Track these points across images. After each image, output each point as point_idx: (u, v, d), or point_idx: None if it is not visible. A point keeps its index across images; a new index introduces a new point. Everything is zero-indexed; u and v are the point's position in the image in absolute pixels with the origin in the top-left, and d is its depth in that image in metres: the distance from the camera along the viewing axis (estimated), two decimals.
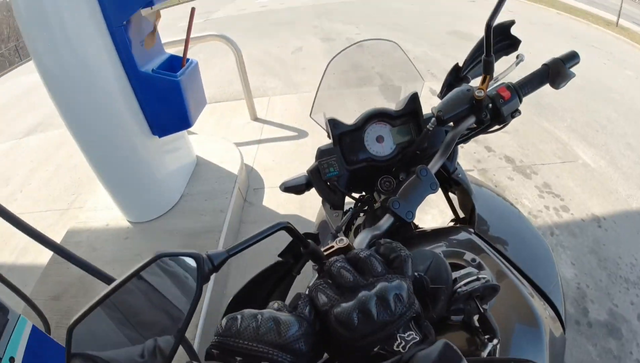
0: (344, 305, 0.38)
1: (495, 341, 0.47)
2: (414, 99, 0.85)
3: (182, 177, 2.66)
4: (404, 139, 0.85)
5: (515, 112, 0.78)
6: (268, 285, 0.61)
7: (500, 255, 0.67)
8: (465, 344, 0.51)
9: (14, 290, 1.45)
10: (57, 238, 2.43)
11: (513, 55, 0.86)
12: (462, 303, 0.48)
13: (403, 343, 0.36)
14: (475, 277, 0.48)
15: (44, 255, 2.28)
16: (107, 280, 1.07)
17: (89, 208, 2.67)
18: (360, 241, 0.61)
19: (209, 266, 0.40)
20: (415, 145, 0.82)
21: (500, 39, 0.86)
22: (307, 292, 0.42)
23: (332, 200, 0.84)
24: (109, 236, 2.40)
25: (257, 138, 3.47)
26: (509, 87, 0.78)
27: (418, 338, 0.36)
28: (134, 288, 0.39)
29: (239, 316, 0.37)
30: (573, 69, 0.78)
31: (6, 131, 4.85)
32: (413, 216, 0.67)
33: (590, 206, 2.41)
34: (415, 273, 0.45)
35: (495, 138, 3.15)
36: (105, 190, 2.38)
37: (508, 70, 0.82)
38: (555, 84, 0.79)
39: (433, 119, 0.76)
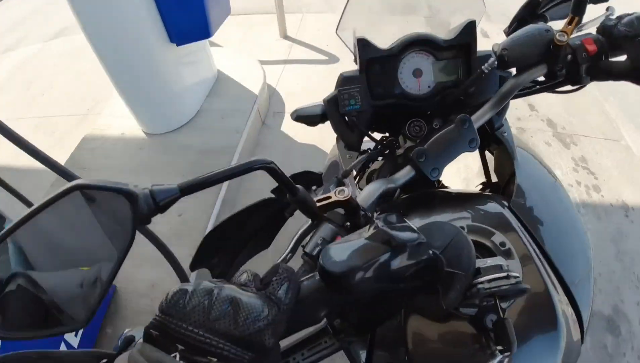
0: None
1: (507, 353, 0.38)
2: (469, 28, 0.67)
3: (201, 91, 2.55)
4: (447, 78, 0.71)
5: (598, 75, 0.61)
6: (256, 221, 0.54)
7: (532, 237, 0.56)
8: (471, 343, 0.43)
9: (18, 197, 1.42)
10: (73, 144, 2.44)
11: (602, 6, 0.67)
12: (479, 299, 0.38)
13: None
14: (504, 275, 0.37)
15: (60, 160, 2.29)
16: None
17: (106, 115, 2.64)
18: (369, 194, 0.51)
19: (149, 205, 0.31)
20: (461, 88, 0.67)
21: None
22: (283, 264, 0.33)
23: (347, 138, 0.73)
24: (124, 145, 2.39)
25: (284, 58, 3.23)
26: (598, 40, 0.60)
27: None
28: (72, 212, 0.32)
29: (189, 290, 0.28)
30: None
31: (32, 34, 4.68)
32: (439, 174, 0.56)
33: (622, 192, 2.23)
34: (430, 251, 0.36)
35: (542, 97, 2.86)
36: (121, 99, 2.32)
37: (596, 20, 0.64)
38: None
39: (492, 59, 0.61)
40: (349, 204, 0.45)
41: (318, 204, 0.42)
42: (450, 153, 0.57)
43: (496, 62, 0.61)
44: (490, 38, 3.34)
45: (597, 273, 1.83)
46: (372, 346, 0.51)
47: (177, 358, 0.26)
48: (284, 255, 0.48)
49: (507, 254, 0.50)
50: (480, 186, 0.89)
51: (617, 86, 3.11)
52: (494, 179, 0.84)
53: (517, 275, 0.37)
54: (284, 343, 0.43)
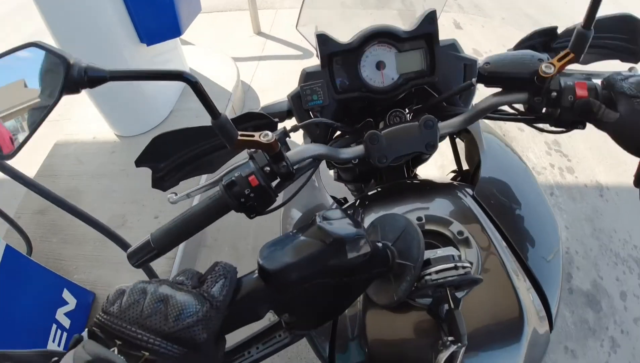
0: None
1: (459, 345, 0.38)
2: (430, 18, 0.66)
3: (173, 91, 2.50)
4: (411, 69, 0.69)
5: (577, 123, 0.57)
6: (207, 144, 0.55)
7: (495, 225, 0.56)
8: (428, 334, 0.43)
9: None
10: (45, 151, 2.37)
11: (627, 65, 0.60)
12: (430, 290, 0.39)
13: None
14: (452, 265, 0.37)
15: (33, 168, 2.24)
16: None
17: (77, 120, 2.57)
18: (303, 150, 0.51)
19: (81, 77, 0.36)
20: (443, 97, 0.66)
21: (624, 39, 0.63)
22: (222, 262, 0.33)
23: (313, 133, 0.72)
24: (96, 149, 2.33)
25: (258, 54, 3.19)
26: (593, 89, 0.55)
27: None
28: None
29: (127, 290, 0.30)
30: None
31: (5, 39, 4.49)
32: (386, 162, 0.56)
33: (597, 173, 2.29)
34: (379, 242, 0.35)
35: None
36: (92, 102, 2.26)
37: (606, 73, 0.57)
38: None
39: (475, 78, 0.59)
40: (271, 150, 0.45)
41: (240, 137, 0.42)
42: (403, 147, 0.56)
43: (476, 76, 0.59)
44: (463, 29, 3.37)
45: (574, 251, 1.87)
46: (334, 336, 0.51)
47: (116, 352, 0.28)
48: (210, 181, 0.50)
49: (465, 243, 0.50)
50: (452, 174, 0.90)
51: (592, 68, 3.19)
52: (465, 166, 0.85)
53: (467, 265, 0.37)
54: (240, 337, 0.42)
